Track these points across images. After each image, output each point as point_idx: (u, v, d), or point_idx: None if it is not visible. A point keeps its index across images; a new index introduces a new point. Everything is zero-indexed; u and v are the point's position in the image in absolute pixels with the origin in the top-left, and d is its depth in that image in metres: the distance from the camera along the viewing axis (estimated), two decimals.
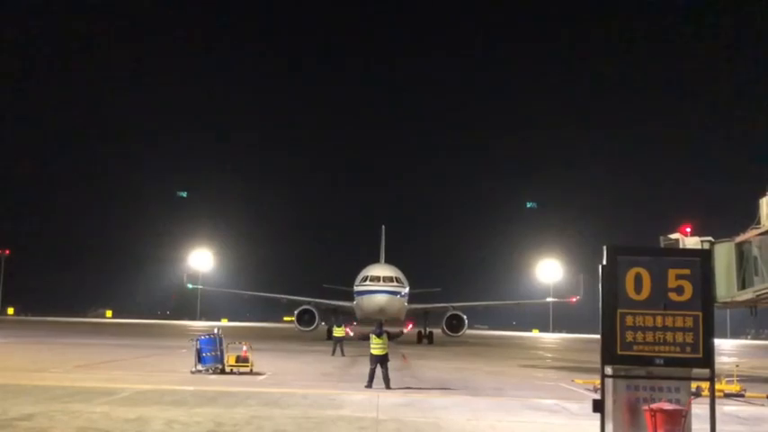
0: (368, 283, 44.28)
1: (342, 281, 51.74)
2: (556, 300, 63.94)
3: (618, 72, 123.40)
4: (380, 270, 45.86)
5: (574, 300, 50.06)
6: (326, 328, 47.36)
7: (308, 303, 46.75)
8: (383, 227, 55.51)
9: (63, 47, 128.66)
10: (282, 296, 51.61)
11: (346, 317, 47.78)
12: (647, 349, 8.53)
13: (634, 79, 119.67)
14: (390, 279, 44.16)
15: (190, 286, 52.89)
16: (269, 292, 53.82)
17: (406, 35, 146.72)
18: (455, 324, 45.75)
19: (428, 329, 48.92)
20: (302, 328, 44.87)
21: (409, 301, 47.07)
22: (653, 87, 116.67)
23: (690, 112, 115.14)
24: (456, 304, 48.41)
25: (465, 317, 45.75)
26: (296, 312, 45.50)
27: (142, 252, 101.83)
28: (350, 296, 47.33)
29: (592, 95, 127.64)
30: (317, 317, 44.97)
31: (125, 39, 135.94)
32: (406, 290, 45.77)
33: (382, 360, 17.52)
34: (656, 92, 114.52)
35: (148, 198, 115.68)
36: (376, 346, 17.68)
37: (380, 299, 43.05)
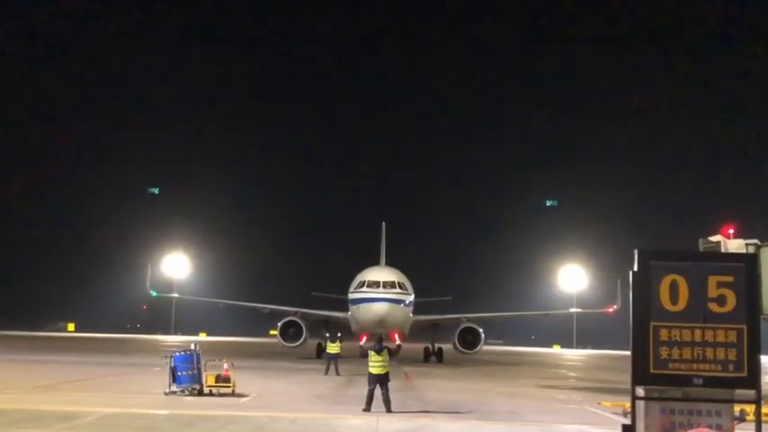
0: (365, 289, 42.29)
1: (335, 288, 50.95)
2: (588, 310, 62.39)
3: (654, 57, 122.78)
4: (380, 273, 44.07)
5: (611, 309, 48.45)
6: (316, 343, 45.67)
7: (294, 314, 44.79)
8: (383, 224, 54.09)
9: (27, 38, 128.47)
10: (263, 305, 50.36)
11: (339, 330, 46.37)
12: (683, 367, 8.53)
13: (672, 67, 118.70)
14: (392, 284, 42.16)
15: (154, 294, 50.40)
16: (252, 302, 53.18)
17: (412, 23, 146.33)
18: (470, 339, 43.72)
19: (436, 345, 47.52)
20: (287, 344, 43.12)
21: (415, 312, 45.61)
22: (692, 75, 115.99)
23: (732, 102, 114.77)
24: (470, 315, 46.76)
25: (481, 330, 44.14)
26: (279, 325, 43.70)
27: (108, 257, 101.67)
28: (344, 305, 45.94)
29: (625, 82, 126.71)
30: (304, 330, 43.23)
31: (94, 22, 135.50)
32: (411, 297, 43.84)
33: (382, 380, 17.53)
34: (694, 79, 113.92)
35: (115, 195, 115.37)
36: (375, 364, 17.68)
37: (380, 308, 41.16)
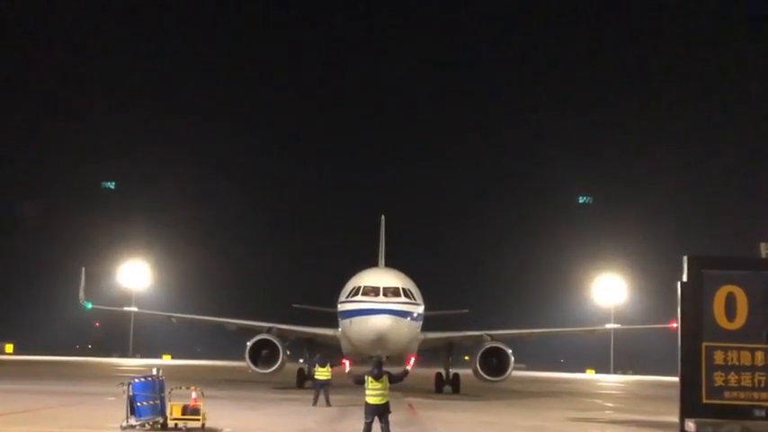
0: (360, 297, 38.95)
1: (322, 300, 48.74)
2: (643, 326, 61.09)
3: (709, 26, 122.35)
4: (380, 277, 40.89)
5: (675, 325, 46.85)
6: (297, 368, 44.22)
7: (268, 331, 42.19)
8: (382, 217, 51.77)
9: None
10: (229, 320, 47.98)
11: (327, 351, 44.20)
12: (743, 396, 8.53)
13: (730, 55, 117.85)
14: (396, 291, 38.76)
15: (88, 306, 47.13)
16: (224, 317, 51.28)
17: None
18: (495, 363, 40.98)
19: (451, 371, 44.89)
20: (258, 369, 40.66)
21: (424, 328, 42.25)
22: (752, 65, 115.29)
23: None
24: (495, 332, 43.85)
25: (510, 351, 41.13)
26: (249, 345, 40.92)
27: (54, 264, 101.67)
28: (332, 321, 43.29)
29: (678, 53, 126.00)
30: (281, 351, 40.56)
31: None
32: (421, 309, 40.69)
33: (381, 411, 17.52)
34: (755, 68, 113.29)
35: (62, 190, 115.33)
36: (373, 393, 17.65)
37: (380, 322, 37.57)
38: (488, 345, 41.62)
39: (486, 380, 41.43)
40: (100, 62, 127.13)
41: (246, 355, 40.78)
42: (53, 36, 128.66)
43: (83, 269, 46.28)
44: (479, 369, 41.20)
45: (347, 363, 25.08)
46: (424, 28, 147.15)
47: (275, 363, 40.54)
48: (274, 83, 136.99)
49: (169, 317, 51.80)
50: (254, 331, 43.28)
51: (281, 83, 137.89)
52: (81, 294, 45.80)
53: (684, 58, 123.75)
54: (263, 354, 40.71)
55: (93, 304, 48.06)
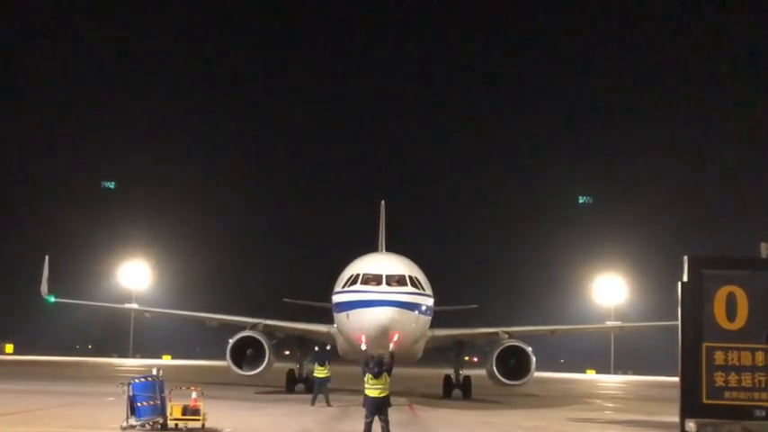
0: (359, 286, 33.30)
1: (318, 294, 44.30)
2: (668, 323, 59.18)
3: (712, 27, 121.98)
4: (382, 263, 35.02)
5: None
6: (287, 369, 40.52)
7: (253, 327, 37.99)
8: (382, 203, 48.39)
9: None
10: (209, 315, 43.97)
11: (325, 351, 37.47)
12: (743, 397, 8.51)
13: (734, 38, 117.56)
14: (401, 279, 33.14)
15: (51, 299, 43.43)
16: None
17: None
18: (513, 364, 36.51)
19: (461, 373, 40.49)
20: (242, 371, 36.86)
21: (433, 324, 37.15)
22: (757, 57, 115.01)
23: None
24: (512, 329, 39.85)
25: (530, 350, 36.72)
26: (230, 343, 37.01)
27: (53, 265, 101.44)
28: (326, 316, 39.07)
29: (678, 52, 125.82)
30: (267, 350, 36.56)
31: None
32: (430, 302, 35.05)
33: (381, 405, 17.45)
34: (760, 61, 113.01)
35: (62, 191, 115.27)
36: (373, 386, 17.55)
37: (383, 315, 31.39)
38: (506, 343, 37.18)
39: (503, 383, 36.94)
40: (100, 62, 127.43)
41: (228, 355, 37.07)
42: (53, 35, 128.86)
43: (46, 258, 42.96)
44: (495, 371, 36.53)
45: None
46: (426, 23, 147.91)
47: (261, 363, 36.60)
48: (273, 78, 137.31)
49: (144, 311, 49.47)
50: (237, 327, 39.44)
51: (280, 77, 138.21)
52: (43, 287, 42.54)
53: (684, 57, 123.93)
54: (247, 353, 37.13)
55: (56, 297, 44.53)
